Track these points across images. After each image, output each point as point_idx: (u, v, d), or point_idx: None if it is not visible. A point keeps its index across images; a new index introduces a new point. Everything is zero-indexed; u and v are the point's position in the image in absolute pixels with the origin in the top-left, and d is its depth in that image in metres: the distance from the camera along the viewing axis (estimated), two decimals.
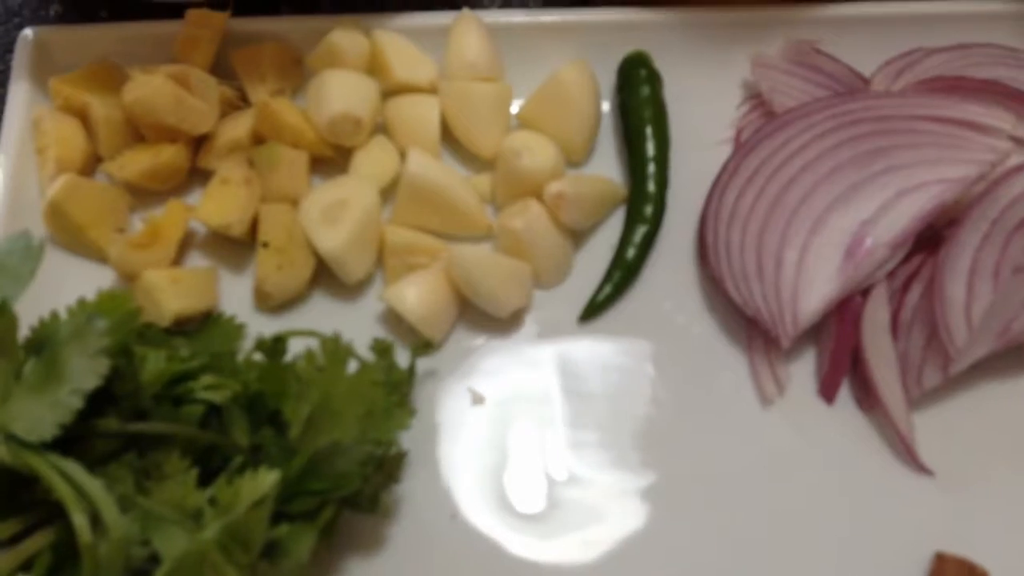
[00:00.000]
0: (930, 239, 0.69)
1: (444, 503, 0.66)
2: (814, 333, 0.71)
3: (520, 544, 0.65)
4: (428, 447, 0.68)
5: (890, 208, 0.68)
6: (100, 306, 0.54)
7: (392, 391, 0.63)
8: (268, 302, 0.70)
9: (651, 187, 0.74)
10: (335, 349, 0.57)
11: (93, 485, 0.48)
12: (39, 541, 0.51)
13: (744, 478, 0.67)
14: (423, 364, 0.70)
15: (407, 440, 0.68)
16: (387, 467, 0.61)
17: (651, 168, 0.74)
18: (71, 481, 0.48)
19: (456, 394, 0.70)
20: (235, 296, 0.72)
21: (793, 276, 0.68)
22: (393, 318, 0.71)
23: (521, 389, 0.70)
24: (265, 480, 0.49)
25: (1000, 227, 0.65)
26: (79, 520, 0.47)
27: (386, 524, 0.65)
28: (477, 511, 0.66)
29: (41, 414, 0.49)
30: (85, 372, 0.50)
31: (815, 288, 0.67)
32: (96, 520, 0.49)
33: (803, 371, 0.71)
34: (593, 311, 0.72)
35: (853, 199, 0.68)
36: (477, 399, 0.69)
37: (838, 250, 0.68)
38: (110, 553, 0.47)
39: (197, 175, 0.75)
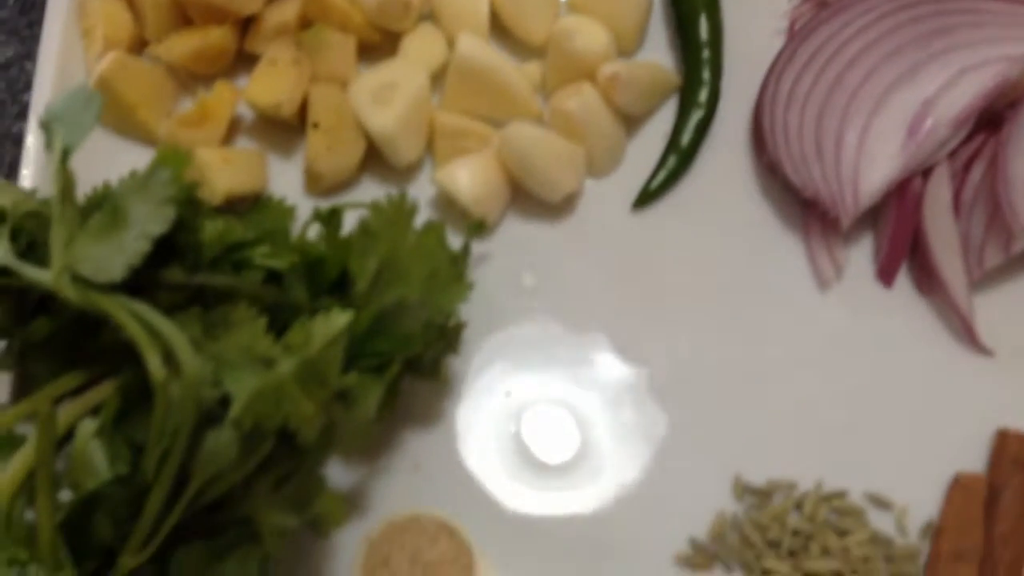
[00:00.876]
0: (992, 120, 0.68)
1: (498, 380, 0.65)
2: (872, 218, 0.70)
3: (573, 422, 0.64)
4: (482, 326, 0.67)
5: (952, 86, 0.67)
6: (162, 160, 0.52)
7: (456, 264, 0.62)
8: (319, 184, 0.69)
9: (705, 73, 0.73)
10: (402, 203, 0.55)
11: (165, 324, 0.47)
12: (105, 390, 0.50)
13: (802, 362, 0.66)
14: (475, 248, 0.69)
15: (463, 317, 0.67)
16: (448, 335, 0.60)
17: (705, 53, 0.73)
18: (142, 321, 0.47)
19: (508, 278, 0.69)
20: (284, 181, 0.71)
21: (854, 156, 0.67)
22: (444, 203, 0.70)
23: (573, 276, 0.69)
24: (338, 319, 0.48)
25: None
26: (151, 357, 0.46)
27: (444, 395, 0.64)
28: (527, 390, 0.65)
29: (109, 256, 0.48)
30: (152, 217, 0.49)
31: (876, 167, 0.66)
32: (167, 362, 0.48)
33: (861, 256, 0.70)
34: (647, 198, 0.71)
35: (914, 78, 0.67)
36: (529, 285, 0.68)
37: (899, 129, 0.67)
38: (184, 391, 0.46)
39: (244, 60, 0.73)
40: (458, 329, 0.61)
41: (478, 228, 0.66)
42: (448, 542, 0.57)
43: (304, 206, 0.69)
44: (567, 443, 0.64)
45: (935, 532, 0.60)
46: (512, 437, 0.64)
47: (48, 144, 0.50)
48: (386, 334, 0.54)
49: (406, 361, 0.58)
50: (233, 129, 0.71)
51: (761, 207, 0.71)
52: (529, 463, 0.63)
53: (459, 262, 0.63)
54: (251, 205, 0.67)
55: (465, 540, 0.57)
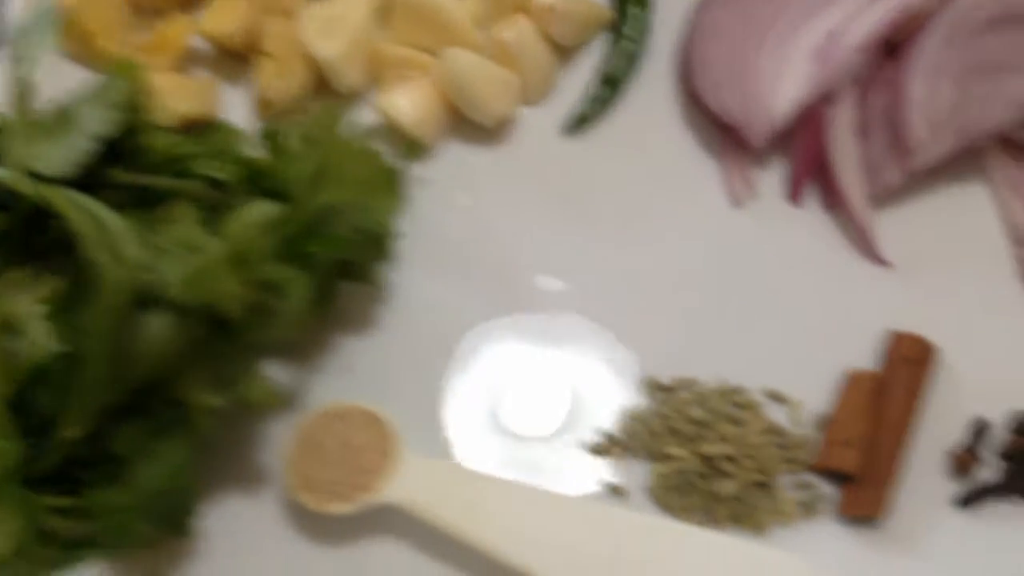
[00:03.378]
0: (895, 49, 0.72)
1: (430, 290, 0.71)
2: (785, 144, 0.74)
3: (495, 327, 0.70)
4: (419, 240, 0.72)
5: (857, 17, 0.71)
6: (115, 70, 0.58)
7: (392, 178, 0.67)
8: (269, 110, 0.75)
9: (635, 8, 0.77)
10: (336, 112, 0.61)
11: (108, 215, 0.52)
12: (52, 281, 0.55)
13: (714, 274, 0.71)
14: (415, 170, 0.74)
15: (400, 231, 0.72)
16: (380, 243, 0.65)
17: None
18: (87, 212, 0.53)
19: (445, 198, 0.74)
20: (235, 110, 0.76)
21: (766, 84, 0.72)
22: (388, 131, 0.75)
23: (506, 197, 0.74)
24: (265, 208, 0.53)
25: (962, 29, 0.69)
26: (92, 243, 0.51)
27: (379, 303, 0.70)
28: (456, 299, 0.71)
29: (59, 153, 0.54)
30: (101, 120, 0.55)
31: (786, 93, 0.71)
32: (108, 251, 0.53)
33: (774, 178, 0.75)
34: (577, 124, 0.76)
35: (823, 10, 0.72)
36: (465, 204, 0.73)
37: (808, 58, 0.72)
38: (121, 274, 0.51)
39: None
40: (390, 238, 0.67)
41: (415, 149, 0.71)
42: (374, 430, 0.62)
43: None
44: (491, 347, 0.69)
45: (827, 423, 0.65)
46: (438, 342, 0.69)
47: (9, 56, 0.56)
48: (319, 235, 0.60)
49: (340, 266, 0.63)
50: (187, 59, 0.76)
51: (685, 134, 0.77)
52: (452, 365, 0.69)
53: (395, 178, 0.68)
54: (203, 128, 0.72)
55: (390, 429, 0.62)
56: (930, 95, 0.69)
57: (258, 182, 0.64)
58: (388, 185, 0.66)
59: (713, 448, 0.64)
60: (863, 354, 0.68)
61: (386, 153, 0.70)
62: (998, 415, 0.66)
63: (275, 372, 0.69)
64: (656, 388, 0.68)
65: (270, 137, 0.66)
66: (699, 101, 0.74)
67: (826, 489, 0.65)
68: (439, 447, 0.66)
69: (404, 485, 0.62)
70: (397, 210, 0.65)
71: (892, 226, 0.72)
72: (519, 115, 0.77)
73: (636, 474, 0.66)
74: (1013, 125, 0.70)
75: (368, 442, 0.62)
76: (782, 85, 0.72)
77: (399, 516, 0.63)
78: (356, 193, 0.60)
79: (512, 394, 0.68)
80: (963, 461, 0.64)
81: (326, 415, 0.63)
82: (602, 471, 0.66)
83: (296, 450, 0.62)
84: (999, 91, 0.69)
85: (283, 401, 0.62)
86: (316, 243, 0.60)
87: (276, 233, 0.56)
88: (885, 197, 0.72)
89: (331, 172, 0.59)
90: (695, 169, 0.75)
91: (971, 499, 0.63)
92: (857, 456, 0.63)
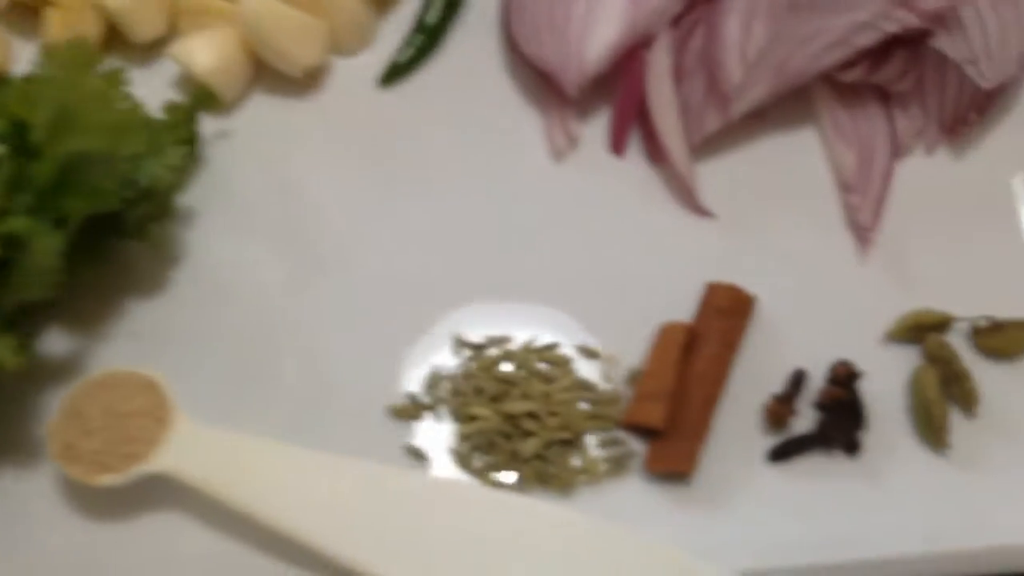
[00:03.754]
0: None
1: (226, 252, 0.67)
2: (610, 94, 0.71)
3: (299, 289, 0.66)
4: (216, 198, 0.68)
5: None
6: None
7: (173, 130, 0.63)
8: None
9: None
10: (79, 48, 0.56)
11: None
12: None
13: (533, 230, 0.68)
14: (217, 124, 0.70)
15: (198, 193, 0.68)
16: (156, 198, 0.61)
17: None
18: None
19: (249, 154, 0.70)
20: (26, 64, 0.71)
21: (580, 27, 0.69)
22: (190, 83, 0.71)
23: (317, 151, 0.71)
24: None
25: None
26: None
27: (167, 264, 0.65)
28: (260, 260, 0.67)
29: None
30: None
31: (600, 35, 0.68)
32: None
33: (599, 130, 0.71)
34: (394, 74, 0.73)
35: None
36: (269, 159, 0.69)
37: None
38: None
39: None
40: (168, 192, 0.62)
41: (207, 99, 0.67)
42: (146, 396, 0.58)
43: None
44: (292, 310, 0.65)
45: (639, 377, 0.62)
46: (236, 306, 0.65)
47: None
48: (72, 187, 0.55)
49: (110, 222, 0.59)
50: None
51: (508, 85, 0.73)
52: (250, 330, 0.64)
53: (177, 129, 0.64)
54: None
55: (165, 395, 0.58)
56: (744, 35, 0.66)
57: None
58: (170, 142, 0.62)
59: (515, 406, 0.61)
60: (685, 308, 0.65)
61: (185, 105, 0.66)
62: (822, 366, 0.63)
63: (54, 338, 0.64)
64: (465, 346, 0.64)
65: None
66: (516, 48, 0.70)
67: (637, 446, 0.62)
68: (231, 415, 0.62)
69: (178, 454, 0.58)
70: (174, 162, 0.60)
71: (717, 175, 0.69)
72: (332, 65, 0.73)
73: (441, 437, 0.62)
74: (835, 66, 0.67)
75: (140, 409, 0.58)
76: (596, 28, 0.69)
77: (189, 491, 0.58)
78: (109, 139, 0.55)
79: (311, 357, 0.64)
80: (776, 413, 0.61)
81: (90, 382, 0.59)
82: (405, 435, 0.62)
83: (58, 420, 0.58)
84: (817, 31, 0.66)
85: (27, 365, 0.57)
86: (71, 196, 0.55)
87: (18, 184, 0.51)
88: (707, 145, 0.69)
89: (74, 116, 0.54)
90: (518, 121, 0.72)
91: (782, 452, 0.61)
92: (663, 410, 0.60)
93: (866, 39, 0.65)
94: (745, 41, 0.66)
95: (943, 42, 0.67)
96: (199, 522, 0.60)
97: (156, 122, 0.62)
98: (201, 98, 0.66)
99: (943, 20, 0.66)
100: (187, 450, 0.58)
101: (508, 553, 0.54)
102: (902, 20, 0.64)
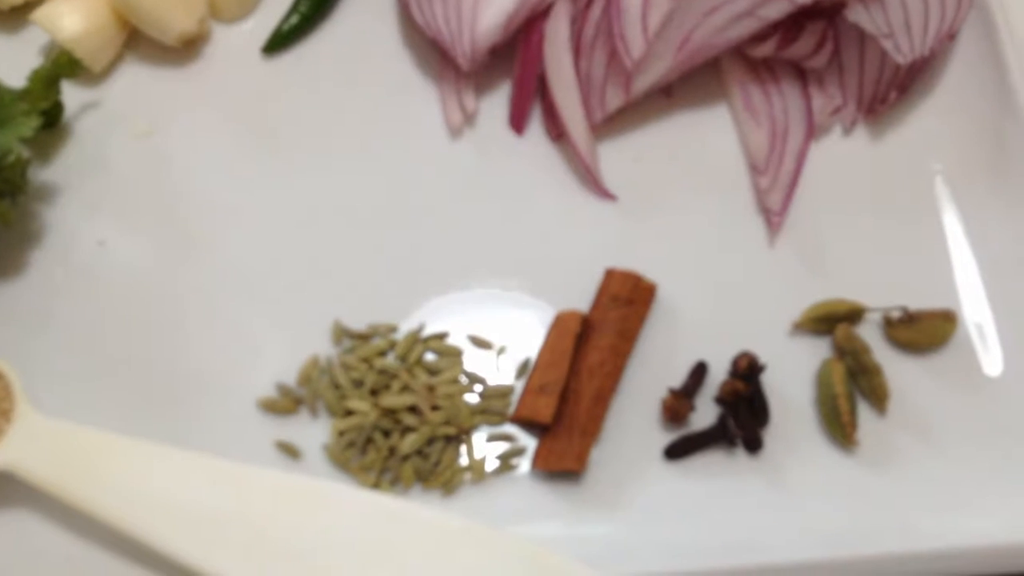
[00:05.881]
0: None
1: (92, 230, 0.62)
2: (510, 68, 0.67)
3: (169, 273, 0.61)
4: (82, 172, 0.63)
5: None
6: None
7: (28, 99, 0.58)
8: None
9: None
10: None
11: None
12: None
13: (425, 210, 0.64)
14: (86, 95, 0.65)
15: (60, 168, 0.63)
16: (5, 172, 0.55)
17: None
18: None
19: (120, 125, 0.65)
20: None
21: None
22: (52, 49, 0.65)
23: (195, 124, 0.65)
24: None
25: None
26: None
27: (23, 246, 0.60)
28: (128, 240, 0.61)
29: None
30: None
31: (494, 3, 0.63)
32: None
33: (499, 105, 0.67)
34: (278, 42, 0.68)
35: None
36: (142, 132, 0.64)
37: None
38: None
39: None
40: (20, 165, 0.57)
41: (69, 66, 0.62)
42: None
43: None
44: (160, 294, 0.60)
45: (531, 369, 0.58)
46: (90, 290, 0.60)
47: None
48: None
49: None
50: None
51: (400, 56, 0.69)
52: (108, 315, 0.59)
53: (36, 97, 0.58)
54: None
55: (10, 385, 0.53)
56: (646, 6, 0.61)
57: None
58: (21, 113, 0.56)
59: (395, 400, 0.56)
60: (584, 295, 0.60)
61: (44, 72, 0.60)
62: (726, 359, 0.59)
63: None
64: (347, 335, 0.60)
65: None
66: (406, 13, 0.66)
67: (528, 442, 0.58)
68: (86, 408, 0.57)
69: (20, 449, 0.52)
70: (23, 134, 0.55)
71: (620, 154, 0.65)
72: (211, 33, 0.68)
73: (316, 432, 0.57)
74: (743, 40, 0.63)
75: None
76: None
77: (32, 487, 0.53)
78: None
79: (176, 345, 0.59)
80: (674, 408, 0.57)
81: None
82: (277, 430, 0.57)
83: None
84: (722, 1, 0.62)
85: None
86: None
87: None
88: (610, 122, 0.65)
89: None
90: (411, 95, 0.68)
91: (679, 449, 0.57)
92: (552, 404, 0.55)
93: (775, 11, 0.61)
94: (647, 11, 0.62)
95: (859, 15, 0.63)
96: (48, 519, 0.55)
97: (6, 91, 0.56)
98: (63, 65, 0.61)
99: None
100: (29, 445, 0.53)
101: (373, 560, 0.49)
102: None
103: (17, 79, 0.61)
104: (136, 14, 0.64)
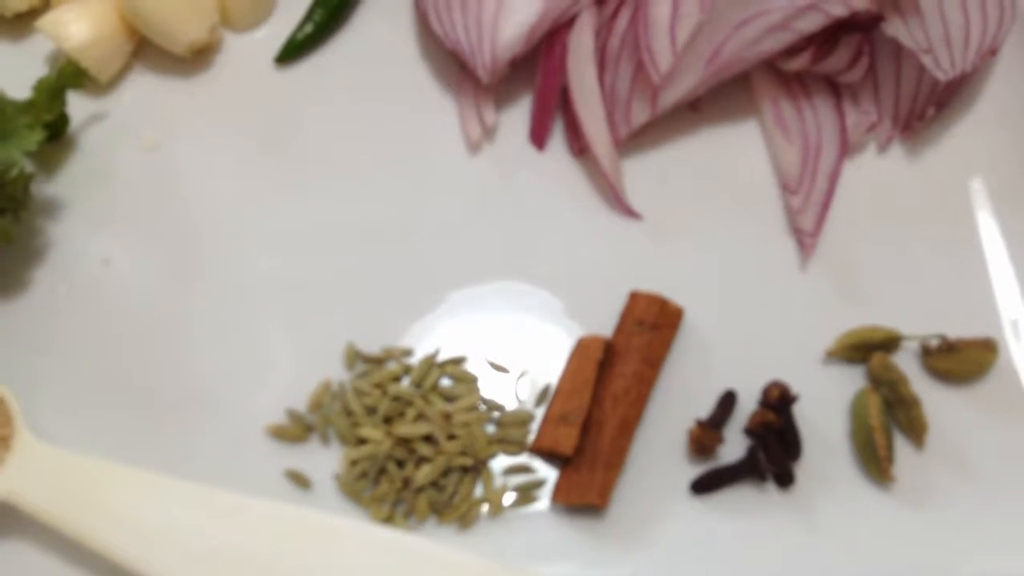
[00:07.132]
0: None
1: (97, 247, 0.59)
2: (531, 81, 0.64)
3: (176, 292, 0.59)
4: (88, 187, 0.61)
5: None
6: None
7: (32, 112, 0.55)
8: None
9: None
10: None
11: None
12: None
13: (445, 228, 0.61)
14: (93, 107, 0.63)
15: (66, 182, 0.60)
16: (8, 187, 0.53)
17: None
18: None
19: (127, 138, 0.63)
20: None
21: (494, 4, 0.62)
22: (64, 59, 0.63)
23: (206, 135, 0.63)
24: None
25: None
26: None
27: (25, 264, 0.58)
28: (134, 258, 0.59)
29: None
30: None
31: (516, 14, 0.61)
32: None
33: (519, 119, 0.64)
34: (291, 52, 0.65)
35: None
36: (151, 145, 0.61)
37: None
38: None
39: None
40: (23, 180, 0.55)
41: (75, 76, 0.59)
42: None
43: None
44: (166, 315, 0.58)
45: (551, 397, 0.55)
46: (95, 311, 0.58)
47: None
48: None
49: None
50: None
51: (418, 67, 0.66)
52: (113, 337, 0.57)
53: (41, 109, 0.56)
54: None
55: (10, 411, 0.51)
56: (674, 16, 0.59)
57: None
58: (24, 126, 0.54)
59: (409, 428, 0.54)
60: (607, 319, 0.58)
61: (49, 83, 0.58)
62: (755, 388, 0.57)
63: None
64: (360, 359, 0.57)
65: None
66: (425, 23, 0.63)
67: (548, 473, 0.55)
68: (90, 436, 0.55)
69: (18, 478, 0.50)
70: (27, 147, 0.53)
71: (645, 172, 0.63)
72: (222, 42, 0.66)
73: (327, 461, 0.55)
74: (776, 53, 0.60)
75: None
76: (512, 6, 0.61)
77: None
78: None
79: (184, 370, 0.57)
80: (701, 440, 0.54)
81: None
82: (286, 458, 0.55)
83: None
84: (755, 14, 0.59)
85: None
86: None
87: None
88: (635, 138, 0.62)
89: None
90: (429, 108, 0.65)
91: (706, 484, 0.54)
92: (574, 435, 0.53)
93: (810, 24, 0.58)
94: (675, 23, 0.59)
95: (897, 29, 0.60)
96: (47, 550, 0.53)
97: (9, 103, 0.54)
98: (68, 75, 0.59)
99: (897, 5, 0.60)
100: (29, 474, 0.51)
101: None
102: (850, 3, 0.57)
103: (21, 90, 0.59)
104: (145, 22, 0.62)
